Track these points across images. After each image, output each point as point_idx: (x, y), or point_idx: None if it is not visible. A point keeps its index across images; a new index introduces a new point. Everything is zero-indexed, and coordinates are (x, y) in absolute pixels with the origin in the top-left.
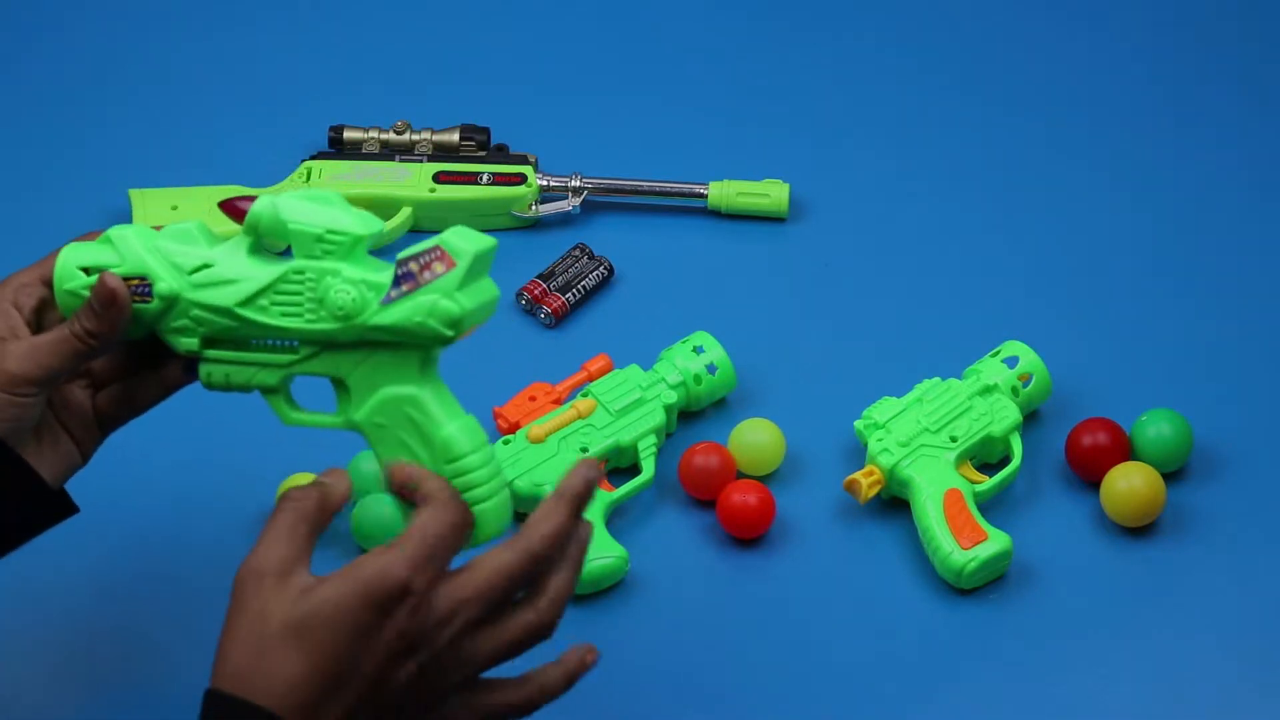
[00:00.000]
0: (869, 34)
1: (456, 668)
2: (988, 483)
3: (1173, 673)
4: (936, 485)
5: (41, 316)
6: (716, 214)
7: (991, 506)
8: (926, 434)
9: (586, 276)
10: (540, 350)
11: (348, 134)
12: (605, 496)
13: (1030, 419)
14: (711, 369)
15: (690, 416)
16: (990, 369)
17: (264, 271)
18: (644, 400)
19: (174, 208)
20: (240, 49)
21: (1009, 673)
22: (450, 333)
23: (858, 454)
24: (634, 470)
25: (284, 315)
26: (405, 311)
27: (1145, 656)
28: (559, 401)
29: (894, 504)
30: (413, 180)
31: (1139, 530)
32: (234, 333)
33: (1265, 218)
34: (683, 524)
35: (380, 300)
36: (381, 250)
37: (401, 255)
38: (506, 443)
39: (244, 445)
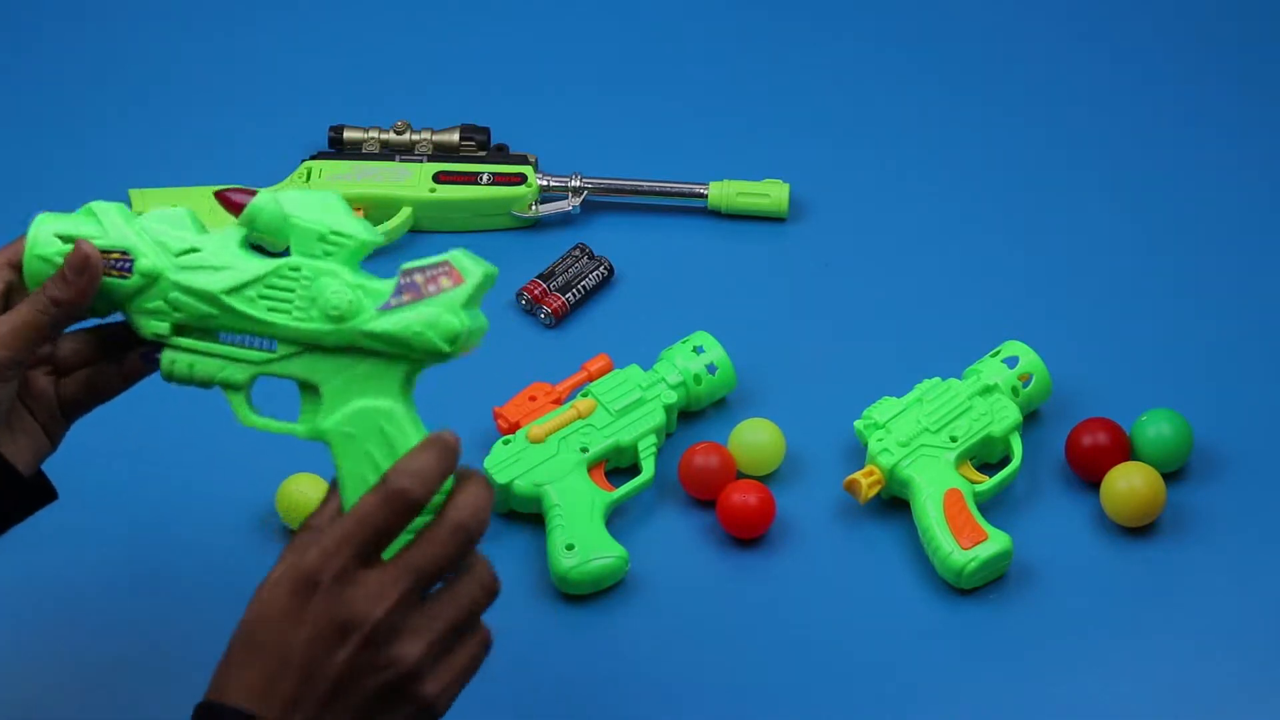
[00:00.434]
0: (869, 34)
1: (409, 642)
2: (988, 483)
3: (1173, 673)
4: (936, 485)
5: (8, 301)
6: (716, 214)
7: (991, 506)
8: (926, 434)
9: (586, 276)
10: (540, 350)
11: (348, 134)
12: (605, 496)
13: (1030, 419)
14: (711, 369)
15: (690, 416)
16: (990, 369)
17: (255, 264)
18: (644, 400)
19: (174, 208)
20: (240, 49)
21: (1009, 673)
22: (447, 348)
23: (858, 454)
24: (634, 470)
25: (270, 310)
26: (405, 321)
27: (1145, 656)
28: (559, 401)
29: (894, 504)
30: (413, 180)
31: (1139, 530)
32: (211, 322)
33: (1265, 218)
34: (683, 524)
35: (377, 307)
36: (385, 250)
37: (406, 266)
38: (506, 443)
39: (244, 445)
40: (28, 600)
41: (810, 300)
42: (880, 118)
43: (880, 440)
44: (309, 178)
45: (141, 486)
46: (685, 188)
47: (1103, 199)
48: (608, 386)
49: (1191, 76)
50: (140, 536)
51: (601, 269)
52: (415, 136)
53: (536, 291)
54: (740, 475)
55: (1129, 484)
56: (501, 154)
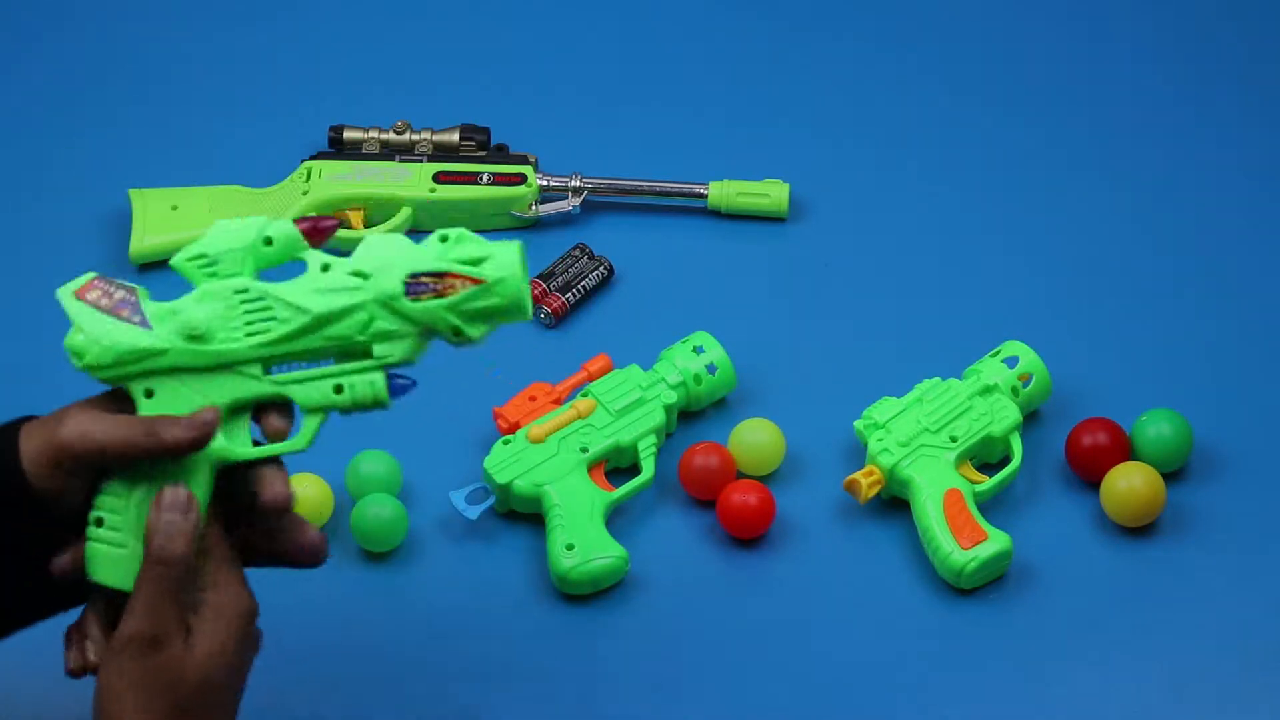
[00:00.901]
0: (869, 34)
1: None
2: (988, 483)
3: (1173, 673)
4: (936, 485)
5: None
6: (716, 214)
7: (991, 506)
8: (926, 434)
9: (586, 276)
10: (540, 350)
11: (348, 134)
12: (605, 496)
13: (1030, 419)
14: (711, 369)
15: (690, 416)
16: (990, 369)
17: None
18: (644, 400)
19: (174, 208)
20: (240, 49)
21: (1009, 673)
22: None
23: (858, 454)
24: (634, 470)
25: (251, 334)
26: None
27: (1145, 656)
28: (559, 401)
29: (894, 504)
30: (413, 180)
31: (1139, 530)
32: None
33: (1265, 218)
34: (683, 524)
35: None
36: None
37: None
38: (506, 443)
39: None
40: None
41: (810, 300)
42: (880, 118)
43: (880, 440)
44: (309, 178)
45: None
46: (685, 188)
47: (1103, 199)
48: (608, 386)
49: (1192, 76)
50: None
51: (601, 269)
52: (415, 136)
53: (536, 291)
54: (740, 475)
55: (1129, 484)
56: (501, 154)
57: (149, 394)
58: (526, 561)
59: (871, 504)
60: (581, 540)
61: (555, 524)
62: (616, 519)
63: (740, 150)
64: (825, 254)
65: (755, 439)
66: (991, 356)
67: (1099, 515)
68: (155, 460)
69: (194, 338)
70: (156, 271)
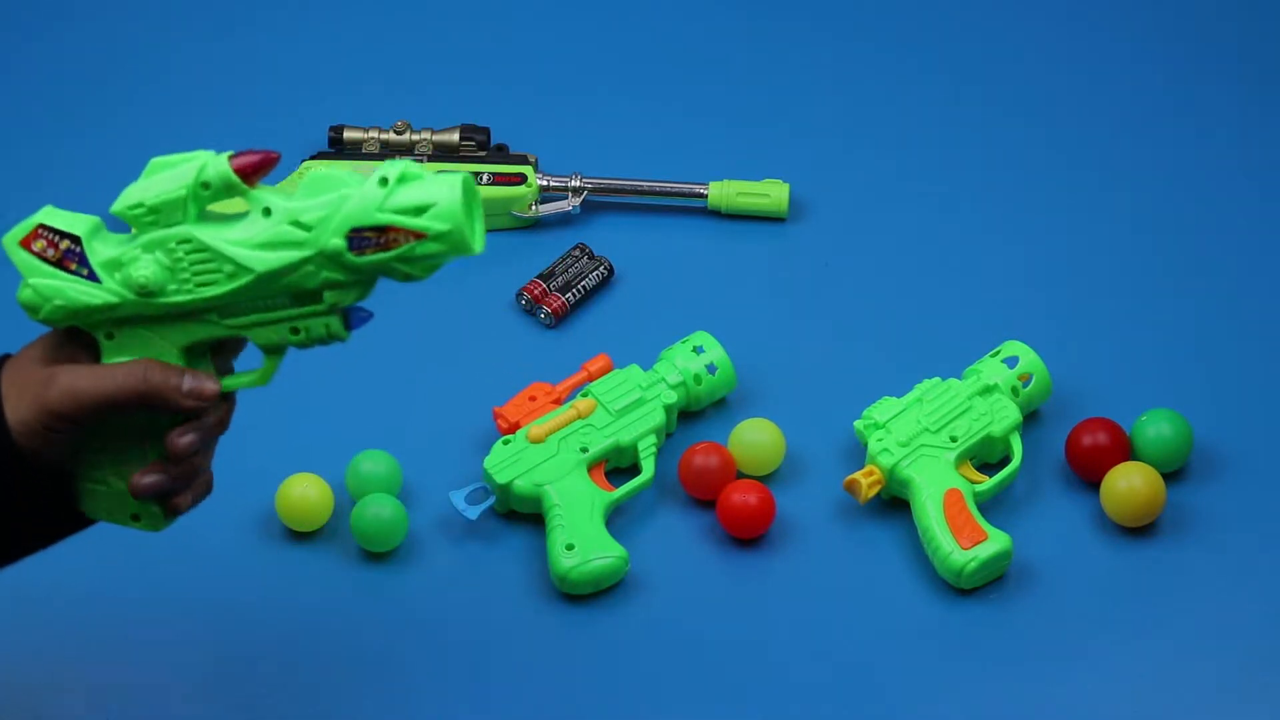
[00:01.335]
0: (869, 34)
1: None
2: (988, 483)
3: (1173, 673)
4: (936, 485)
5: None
6: (716, 214)
7: (991, 506)
8: (926, 434)
9: (586, 276)
10: (540, 350)
11: (348, 134)
12: (605, 496)
13: (1030, 419)
14: (711, 369)
15: (690, 416)
16: (990, 369)
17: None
18: (644, 400)
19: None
20: (240, 49)
21: (1009, 673)
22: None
23: (858, 454)
24: (634, 470)
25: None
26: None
27: (1145, 656)
28: (559, 401)
29: (894, 504)
30: None
31: (1139, 530)
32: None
33: (1265, 218)
34: (683, 524)
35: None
36: None
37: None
38: (506, 443)
39: (244, 445)
40: (28, 600)
41: (810, 300)
42: (880, 118)
43: (880, 440)
44: None
45: None
46: (685, 188)
47: (1102, 199)
48: (608, 386)
49: (1192, 77)
50: (140, 536)
51: (601, 269)
52: (415, 136)
53: (536, 291)
54: (740, 475)
55: (1129, 484)
56: (501, 154)
57: (109, 336)
58: (526, 561)
59: (871, 504)
60: (581, 540)
61: (555, 524)
62: (616, 519)
63: (740, 150)
64: (825, 254)
65: (755, 439)
66: (991, 356)
67: (1099, 515)
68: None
69: (144, 293)
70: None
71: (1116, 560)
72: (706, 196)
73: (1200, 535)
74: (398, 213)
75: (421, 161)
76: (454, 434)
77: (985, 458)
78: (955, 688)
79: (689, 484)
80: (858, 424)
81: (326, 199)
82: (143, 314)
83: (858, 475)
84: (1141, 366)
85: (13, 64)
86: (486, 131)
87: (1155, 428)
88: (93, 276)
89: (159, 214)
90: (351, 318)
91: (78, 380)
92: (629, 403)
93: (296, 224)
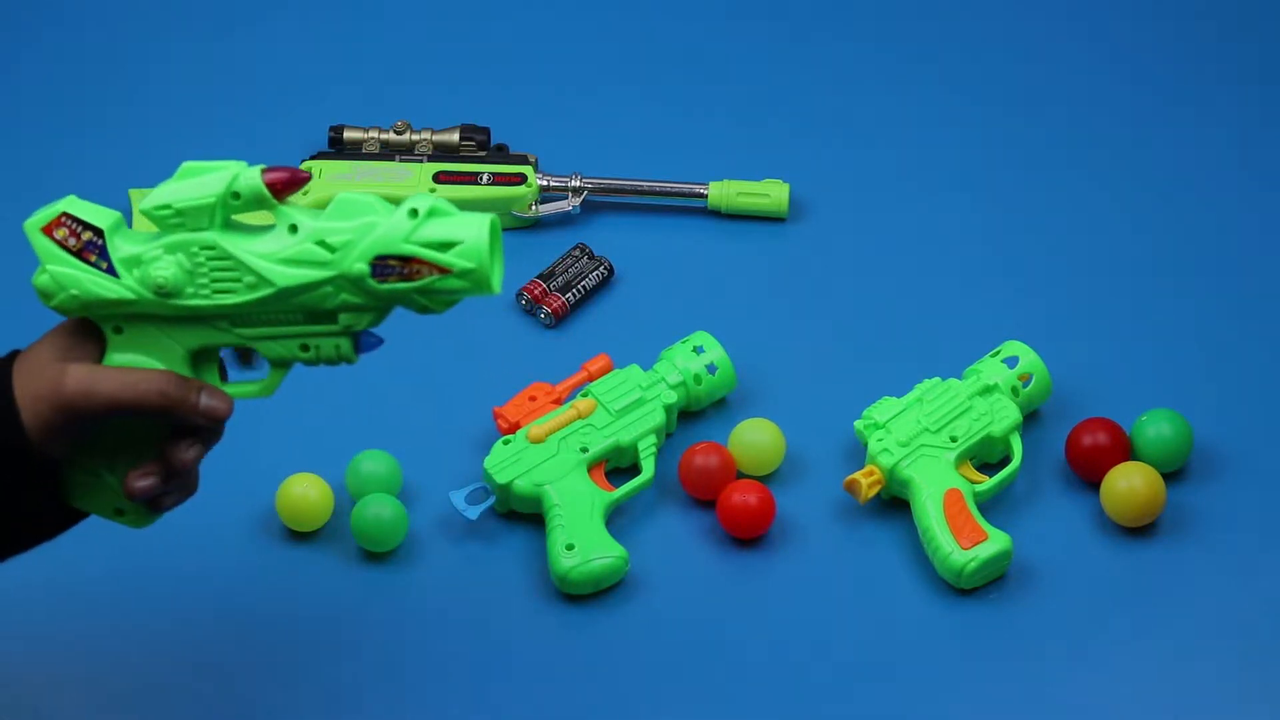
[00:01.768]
0: (869, 35)
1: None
2: (988, 483)
3: (1173, 673)
4: (936, 485)
5: None
6: (716, 214)
7: (991, 506)
8: (926, 434)
9: (586, 276)
10: (540, 350)
11: (348, 134)
12: (605, 496)
13: (1030, 419)
14: (711, 369)
15: (690, 416)
16: (990, 369)
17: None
18: (644, 400)
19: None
20: (240, 48)
21: (1009, 673)
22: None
23: (858, 454)
24: (634, 470)
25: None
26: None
27: (1145, 656)
28: (559, 401)
29: (894, 504)
30: (413, 180)
31: (1139, 530)
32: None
33: (1265, 218)
34: (683, 524)
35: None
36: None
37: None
38: (506, 443)
39: (244, 445)
40: (28, 599)
41: (810, 300)
42: (880, 118)
43: (880, 440)
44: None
45: None
46: (685, 188)
47: (1103, 199)
48: (608, 386)
49: (1192, 77)
50: (140, 536)
51: (601, 269)
52: (415, 136)
53: (536, 291)
54: (740, 475)
55: (1129, 484)
56: (501, 154)
57: (118, 330)
58: (526, 561)
59: (871, 504)
60: (581, 540)
61: (555, 524)
62: (616, 519)
63: (740, 150)
64: (825, 254)
65: (755, 439)
66: (991, 356)
67: (1099, 515)
68: None
69: (162, 293)
70: None
71: (1116, 560)
72: (706, 196)
73: (1200, 535)
74: (425, 245)
75: (421, 162)
76: (454, 434)
77: (985, 458)
78: (955, 688)
79: (689, 484)
80: (858, 424)
81: (354, 223)
82: (156, 313)
83: (858, 475)
84: (1141, 366)
85: (13, 64)
86: (486, 131)
87: (1155, 428)
88: (111, 271)
89: (185, 218)
90: (361, 341)
91: (97, 382)
92: (629, 403)
93: (322, 244)
